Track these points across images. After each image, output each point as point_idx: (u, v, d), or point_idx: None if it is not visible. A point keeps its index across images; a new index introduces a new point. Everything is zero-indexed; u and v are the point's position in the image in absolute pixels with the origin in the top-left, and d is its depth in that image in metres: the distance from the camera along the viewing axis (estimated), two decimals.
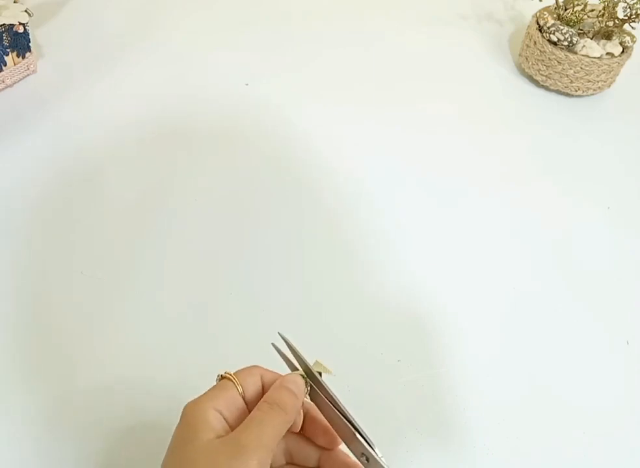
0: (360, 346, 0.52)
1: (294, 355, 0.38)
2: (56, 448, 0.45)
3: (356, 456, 0.36)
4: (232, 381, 0.36)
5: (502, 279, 0.59)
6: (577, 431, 0.49)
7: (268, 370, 0.38)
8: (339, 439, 0.37)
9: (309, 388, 0.37)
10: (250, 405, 0.37)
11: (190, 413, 0.34)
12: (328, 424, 0.37)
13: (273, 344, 0.39)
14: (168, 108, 0.73)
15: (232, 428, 0.35)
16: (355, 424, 0.36)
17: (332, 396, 0.37)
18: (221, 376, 0.37)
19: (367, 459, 0.35)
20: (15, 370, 0.49)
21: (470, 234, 0.63)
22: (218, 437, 0.33)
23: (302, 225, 0.62)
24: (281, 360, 0.39)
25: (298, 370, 0.38)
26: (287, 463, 0.39)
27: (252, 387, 0.37)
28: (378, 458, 0.35)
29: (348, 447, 0.36)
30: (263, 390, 0.37)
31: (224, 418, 0.35)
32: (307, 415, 0.39)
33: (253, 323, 0.53)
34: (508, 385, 0.52)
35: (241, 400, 0.36)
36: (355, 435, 0.35)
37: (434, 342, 0.54)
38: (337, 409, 0.36)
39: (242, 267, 0.58)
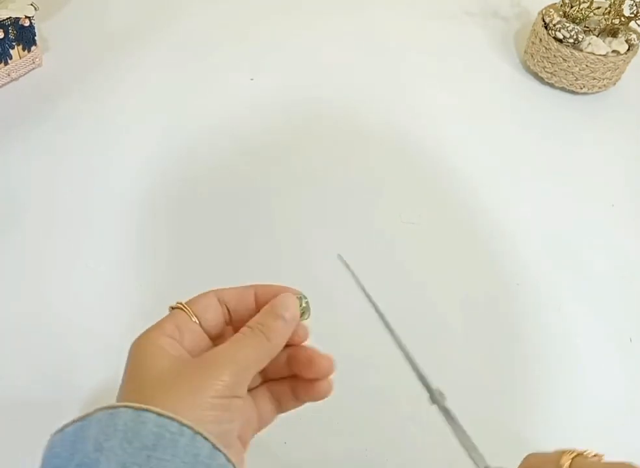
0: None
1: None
2: None
3: None
4: (181, 308, 0.32)
5: (505, 276, 0.59)
6: (579, 427, 0.50)
7: (231, 288, 0.34)
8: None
9: (306, 313, 0.33)
10: (211, 334, 0.33)
11: (139, 347, 0.30)
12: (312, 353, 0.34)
13: (339, 256, 0.35)
14: (172, 101, 0.73)
15: (193, 355, 0.31)
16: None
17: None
18: (171, 307, 0.33)
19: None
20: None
21: (474, 231, 0.63)
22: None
23: (303, 217, 0.62)
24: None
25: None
26: (264, 382, 0.35)
27: (207, 310, 0.33)
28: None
29: None
30: (230, 313, 0.33)
31: (181, 346, 0.31)
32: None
33: None
34: (510, 384, 0.52)
35: (197, 326, 0.32)
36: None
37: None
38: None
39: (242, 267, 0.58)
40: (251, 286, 0.34)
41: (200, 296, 0.33)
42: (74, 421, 0.27)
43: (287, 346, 0.33)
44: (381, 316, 0.33)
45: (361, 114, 0.74)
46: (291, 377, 0.35)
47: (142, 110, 0.71)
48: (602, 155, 0.73)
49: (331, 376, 0.34)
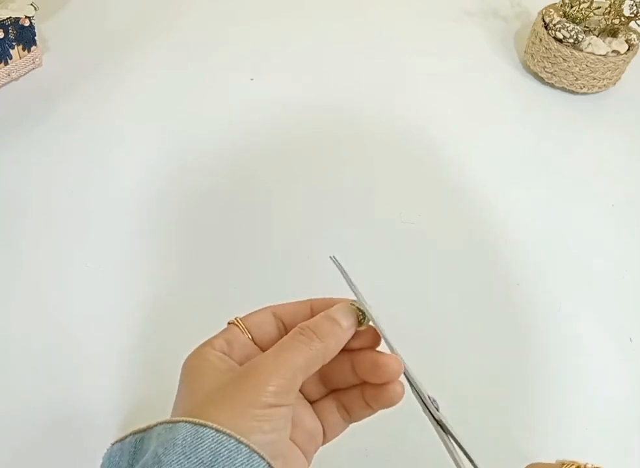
0: None
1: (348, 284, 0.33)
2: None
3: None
4: (234, 324, 0.33)
5: (505, 275, 0.59)
6: (580, 428, 0.50)
7: (287, 303, 0.34)
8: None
9: (365, 320, 0.32)
10: (266, 349, 0.32)
11: (189, 362, 0.31)
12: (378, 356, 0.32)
13: (332, 257, 0.33)
14: (172, 101, 0.73)
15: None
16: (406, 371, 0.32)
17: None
18: (228, 323, 0.33)
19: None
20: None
21: (474, 231, 0.63)
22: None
23: (303, 217, 0.62)
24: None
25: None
26: (332, 391, 0.34)
27: (262, 327, 0.33)
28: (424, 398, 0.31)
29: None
30: (285, 327, 0.33)
31: (231, 358, 0.31)
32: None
33: None
34: (510, 384, 0.52)
35: (248, 340, 0.32)
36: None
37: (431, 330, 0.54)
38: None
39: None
40: (308, 300, 0.34)
41: (255, 312, 0.33)
42: (134, 432, 0.28)
43: (351, 350, 0.32)
44: (373, 320, 0.32)
45: (361, 114, 0.74)
46: (361, 385, 0.33)
47: (142, 110, 0.71)
48: (602, 155, 0.73)
49: (401, 378, 0.32)
